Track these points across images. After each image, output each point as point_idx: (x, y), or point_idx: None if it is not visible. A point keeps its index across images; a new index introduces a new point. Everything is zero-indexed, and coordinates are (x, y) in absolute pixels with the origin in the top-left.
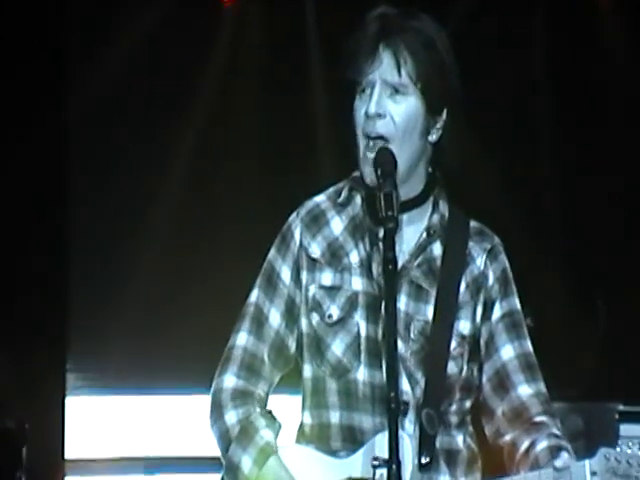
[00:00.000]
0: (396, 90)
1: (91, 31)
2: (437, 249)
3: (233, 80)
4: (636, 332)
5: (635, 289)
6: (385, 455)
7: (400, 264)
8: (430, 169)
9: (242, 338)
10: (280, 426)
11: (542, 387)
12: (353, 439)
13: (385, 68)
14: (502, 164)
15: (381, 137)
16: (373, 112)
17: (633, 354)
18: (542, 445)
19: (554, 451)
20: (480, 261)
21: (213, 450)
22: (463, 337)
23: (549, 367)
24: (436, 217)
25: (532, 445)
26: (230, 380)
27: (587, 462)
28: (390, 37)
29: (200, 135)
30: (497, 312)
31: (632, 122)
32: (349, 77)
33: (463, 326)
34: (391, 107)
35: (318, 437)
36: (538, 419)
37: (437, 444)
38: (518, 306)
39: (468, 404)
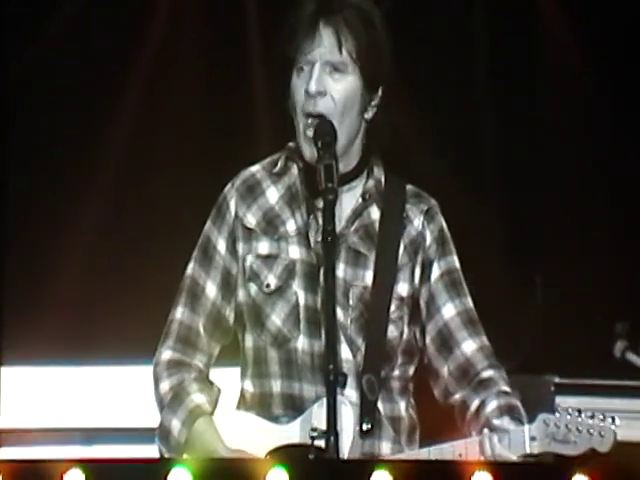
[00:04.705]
0: (336, 68)
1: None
2: (374, 213)
3: (168, 60)
4: (572, 306)
5: (572, 262)
6: (321, 425)
7: (337, 231)
8: (365, 142)
9: (178, 312)
10: (219, 391)
11: (485, 341)
12: (294, 406)
13: (326, 46)
14: (440, 133)
15: (321, 115)
16: (314, 90)
17: (569, 328)
18: (492, 405)
19: (504, 410)
20: (417, 222)
21: (152, 421)
22: (402, 299)
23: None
24: (371, 182)
25: (482, 405)
26: (166, 354)
27: (526, 427)
28: (330, 15)
29: (132, 114)
30: (436, 272)
31: (569, 92)
32: (288, 55)
33: (401, 288)
34: (331, 85)
35: (259, 404)
36: (485, 375)
37: (380, 410)
38: (457, 264)
39: (411, 370)
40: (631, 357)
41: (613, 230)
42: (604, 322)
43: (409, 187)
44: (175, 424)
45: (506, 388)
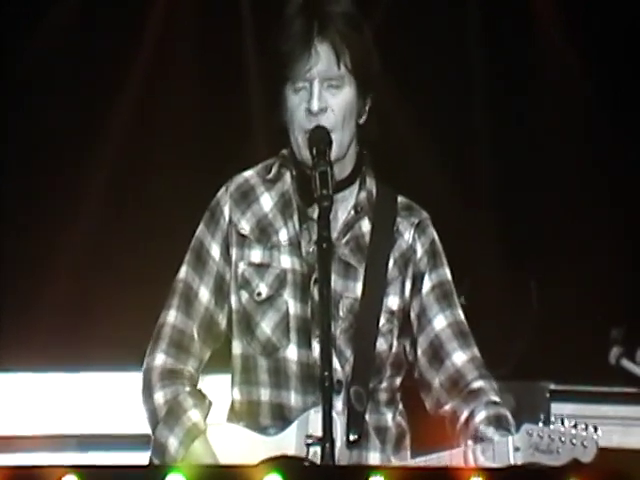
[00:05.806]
0: (334, 83)
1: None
2: (365, 226)
3: (167, 60)
4: (567, 311)
5: (568, 268)
6: (316, 432)
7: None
8: (358, 148)
9: (171, 315)
10: (210, 404)
11: (476, 352)
12: (282, 416)
13: (324, 63)
14: (439, 133)
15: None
16: (317, 109)
17: (564, 333)
18: (481, 416)
19: (491, 421)
20: (408, 235)
21: (147, 428)
22: (392, 312)
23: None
24: (363, 194)
25: (471, 415)
26: (159, 358)
27: (510, 438)
28: (323, 30)
29: (131, 114)
30: (427, 284)
31: (566, 95)
32: (286, 76)
33: (392, 302)
34: (331, 100)
35: (248, 414)
36: (475, 385)
37: (367, 421)
38: (449, 276)
39: (398, 381)
40: (626, 364)
41: (613, 230)
42: (600, 328)
43: (400, 199)
44: (172, 442)
45: (495, 398)
